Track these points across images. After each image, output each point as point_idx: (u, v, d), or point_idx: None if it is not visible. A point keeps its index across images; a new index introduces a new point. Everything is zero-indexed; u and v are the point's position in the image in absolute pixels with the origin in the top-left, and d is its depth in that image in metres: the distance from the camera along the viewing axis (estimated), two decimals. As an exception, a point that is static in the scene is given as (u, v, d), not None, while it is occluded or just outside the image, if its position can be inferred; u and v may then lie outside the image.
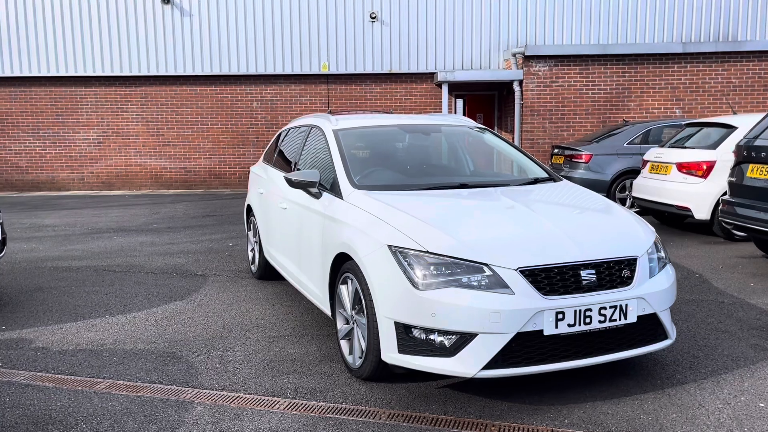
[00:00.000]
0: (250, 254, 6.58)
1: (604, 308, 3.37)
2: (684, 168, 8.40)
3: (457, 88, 15.88)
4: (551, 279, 3.33)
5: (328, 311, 4.25)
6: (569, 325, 3.31)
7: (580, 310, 3.32)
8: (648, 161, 9.23)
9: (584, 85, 14.00)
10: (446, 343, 3.31)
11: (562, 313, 3.29)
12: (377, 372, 3.64)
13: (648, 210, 9.55)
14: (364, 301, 3.64)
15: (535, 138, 14.02)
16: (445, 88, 14.73)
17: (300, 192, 4.70)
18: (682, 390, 3.65)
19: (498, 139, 5.21)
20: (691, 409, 3.40)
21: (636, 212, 10.56)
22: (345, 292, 3.92)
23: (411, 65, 15.74)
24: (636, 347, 3.55)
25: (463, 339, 3.27)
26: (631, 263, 3.53)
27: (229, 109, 16.07)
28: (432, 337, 3.33)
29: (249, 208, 6.55)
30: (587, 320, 3.34)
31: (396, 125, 5.14)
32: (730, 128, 8.35)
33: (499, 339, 3.22)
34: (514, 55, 14.35)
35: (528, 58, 13.94)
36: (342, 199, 4.18)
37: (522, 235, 3.55)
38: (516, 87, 14.26)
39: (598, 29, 15.10)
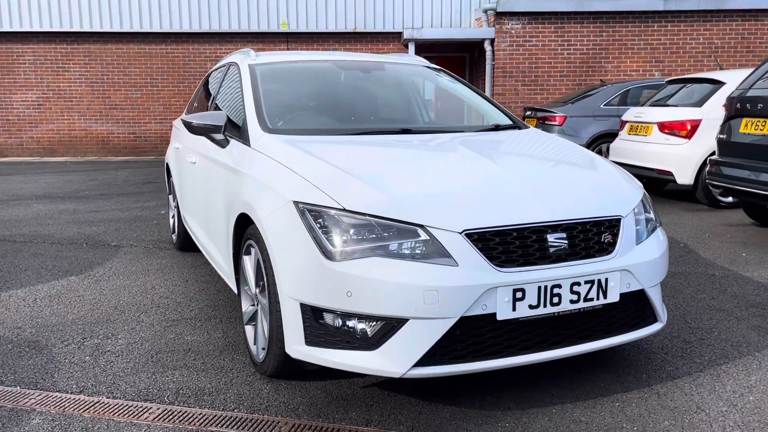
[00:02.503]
0: (171, 221, 5.67)
1: (578, 284, 2.54)
2: (666, 128, 7.62)
3: (426, 49, 14.90)
4: (508, 245, 2.49)
5: (235, 288, 3.38)
6: (531, 307, 2.48)
7: (545, 287, 2.49)
8: (627, 122, 8.45)
9: (559, 44, 13.13)
10: (368, 331, 2.46)
11: (522, 290, 2.45)
12: (283, 368, 2.79)
13: (626, 175, 8.80)
14: (265, 277, 2.77)
15: (508, 101, 13.16)
16: (411, 48, 13.76)
17: (208, 142, 3.78)
18: (675, 387, 2.85)
19: (455, 81, 4.33)
20: (687, 414, 2.61)
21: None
22: (248, 264, 3.05)
23: (377, 24, 14.72)
24: (618, 334, 2.74)
25: (389, 326, 2.43)
26: (613, 225, 2.71)
27: (181, 69, 14.92)
28: (350, 324, 2.48)
29: (168, 168, 5.61)
30: (555, 300, 2.51)
31: (329, 61, 4.22)
32: (717, 84, 7.57)
33: (436, 326, 2.38)
34: (485, 11, 13.42)
35: (500, 15, 13.00)
36: (249, 145, 3.28)
37: (471, 188, 2.69)
38: (487, 46, 13.34)
39: (575, -14, 14.18)
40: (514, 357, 2.51)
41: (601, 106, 9.86)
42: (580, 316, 2.62)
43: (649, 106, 8.29)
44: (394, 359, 2.42)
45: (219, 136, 3.54)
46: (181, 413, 2.63)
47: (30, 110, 14.85)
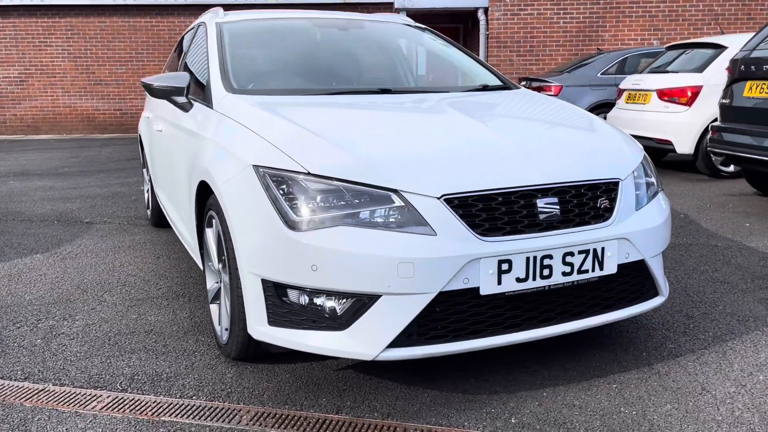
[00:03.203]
0: (146, 196, 5.39)
1: (571, 254, 2.28)
2: (665, 95, 7.32)
3: (418, 19, 14.46)
4: (492, 212, 2.22)
5: (200, 264, 3.12)
6: (518, 280, 2.22)
7: (535, 258, 2.22)
8: (624, 90, 8.14)
9: (555, 13, 12.74)
10: (337, 309, 2.20)
11: (508, 261, 2.19)
12: (248, 350, 2.54)
13: (623, 146, 8.52)
14: (225, 251, 2.51)
15: (503, 72, 12.79)
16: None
17: (172, 107, 3.49)
18: (677, 366, 2.61)
19: (440, 40, 4.02)
20: (691, 396, 2.37)
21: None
22: (211, 237, 2.78)
23: (367, -6, 14.29)
24: (616, 309, 2.48)
25: (360, 304, 2.16)
26: (610, 189, 2.44)
27: (166, 44, 14.51)
28: (317, 301, 2.22)
29: (141, 139, 5.32)
30: (545, 272, 2.25)
31: (304, 18, 3.91)
32: (719, 48, 7.26)
33: (411, 303, 2.12)
34: (478, -20, 12.99)
35: (494, -17, 12.59)
36: (212, 108, 2.99)
37: (453, 149, 2.41)
38: (481, 16, 12.95)
39: (571, -47, 13.74)
40: (499, 336, 2.26)
41: (598, 75, 9.53)
42: (574, 290, 2.36)
43: (648, 73, 7.98)
44: (365, 340, 2.16)
45: (181, 99, 3.25)
46: (132, 401, 2.37)
47: (12, 87, 14.45)
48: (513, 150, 2.40)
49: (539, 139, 2.58)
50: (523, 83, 10.27)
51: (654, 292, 2.61)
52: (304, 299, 2.23)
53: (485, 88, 3.51)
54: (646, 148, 7.95)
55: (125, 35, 14.40)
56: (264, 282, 2.27)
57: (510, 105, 3.17)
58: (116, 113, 14.71)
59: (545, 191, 2.29)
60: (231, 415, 2.27)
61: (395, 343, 2.15)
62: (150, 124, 4.53)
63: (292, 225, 2.18)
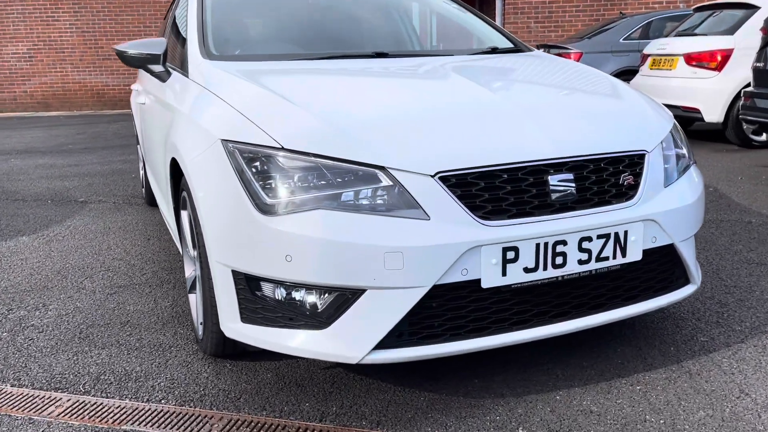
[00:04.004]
0: (141, 173, 5.13)
1: (588, 239, 1.96)
2: (693, 60, 6.87)
3: (433, -13, 13.99)
4: (496, 191, 1.90)
5: (180, 249, 2.85)
6: (527, 270, 1.91)
7: (546, 244, 1.91)
8: (649, 55, 7.69)
9: (575, -24, 12.17)
10: (317, 305, 1.92)
11: (514, 249, 1.88)
12: (224, 347, 2.28)
13: (647, 115, 8.09)
14: (195, 237, 2.23)
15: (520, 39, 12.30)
16: (417, -15, 12.86)
17: (153, 78, 3.20)
18: (710, 364, 2.30)
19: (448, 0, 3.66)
20: (727, 401, 2.06)
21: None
22: (185, 220, 2.51)
23: (379, -40, 13.77)
24: (640, 300, 2.17)
25: (342, 299, 1.87)
26: (635, 163, 2.11)
27: (175, 16, 14.16)
28: (294, 296, 1.93)
29: (133, 114, 5.04)
30: (558, 260, 1.94)
31: (296, -22, 3.57)
32: (751, 8, 6.77)
33: (401, 298, 1.83)
34: (495, -57, 12.44)
35: (511, -54, 12.04)
36: (188, 76, 2.69)
37: (452, 119, 2.09)
38: (498, -19, 12.42)
39: None
40: (504, 334, 1.96)
41: (621, 40, 9.04)
42: (592, 281, 2.05)
43: (674, 36, 7.51)
44: (347, 341, 1.87)
45: (158, 68, 2.95)
46: (94, 406, 2.12)
47: (21, 63, 14.26)
48: (522, 119, 2.08)
49: (552, 107, 2.24)
50: (541, 51, 9.80)
51: (684, 280, 2.29)
52: (279, 294, 1.94)
53: (494, 51, 3.16)
54: (672, 117, 7.56)
55: (133, 8, 14.09)
56: (235, 274, 1.98)
57: (520, 69, 2.82)
58: (125, 89, 14.46)
59: (558, 166, 1.97)
60: (200, 423, 2.01)
61: (383, 344, 1.87)
62: (137, 97, 4.25)
63: (263, 208, 1.89)
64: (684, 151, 2.41)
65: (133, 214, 4.74)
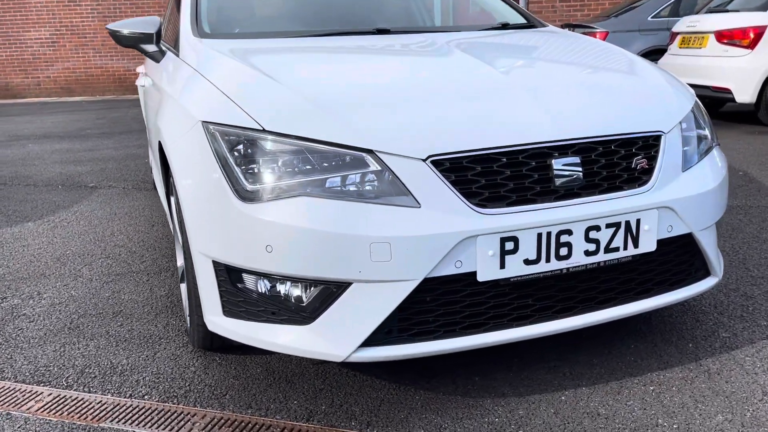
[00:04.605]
0: (150, 157, 5.05)
1: (596, 228, 1.80)
2: (725, 37, 6.56)
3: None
4: (494, 176, 1.75)
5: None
6: (527, 262, 1.76)
7: (548, 234, 1.76)
8: (678, 33, 7.37)
9: (603, -47, 11.77)
10: (300, 299, 1.79)
11: (514, 239, 1.73)
12: (211, 340, 2.17)
13: (675, 96, 7.78)
14: (178, 225, 2.12)
15: (545, 20, 11.98)
16: (439, -36, 12.58)
17: (150, 61, 3.09)
18: (731, 362, 2.12)
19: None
20: (749, 404, 1.89)
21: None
22: (174, 207, 2.39)
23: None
24: (655, 294, 2.01)
25: (327, 293, 1.75)
26: (650, 145, 1.93)
27: None
28: (278, 289, 1.81)
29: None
30: (563, 252, 1.79)
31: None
32: (788, -17, 6.42)
33: (389, 292, 1.69)
34: None
35: None
36: (178, 55, 2.57)
37: (447, 97, 1.93)
38: (522, -41, 12.07)
39: None
40: (503, 331, 1.82)
41: (649, 18, 8.71)
42: (601, 273, 1.89)
43: (705, 13, 7.18)
44: (332, 338, 1.75)
45: (151, 48, 2.83)
46: (75, 402, 2.03)
47: (44, 48, 14.32)
48: (525, 98, 1.91)
49: (560, 86, 2.07)
50: (566, 30, 9.51)
51: (705, 272, 2.12)
52: (261, 286, 1.82)
53: (505, 26, 2.98)
54: (702, 98, 7.25)
55: (154, -8, 14.04)
56: (215, 264, 1.87)
57: (531, 46, 2.65)
58: (148, 73, 14.46)
59: (564, 149, 1.81)
60: (182, 422, 1.91)
61: (370, 341, 1.74)
62: (139, 80, 4.15)
63: (243, 195, 1.76)
64: (706, 132, 2.22)
65: (140, 199, 4.67)
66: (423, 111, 1.84)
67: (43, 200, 4.75)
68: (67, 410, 1.99)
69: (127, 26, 2.81)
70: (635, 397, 1.95)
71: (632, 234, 1.85)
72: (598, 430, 1.81)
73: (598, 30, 8.73)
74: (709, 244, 2.05)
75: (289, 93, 1.91)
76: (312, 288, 1.76)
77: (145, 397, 2.05)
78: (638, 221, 1.85)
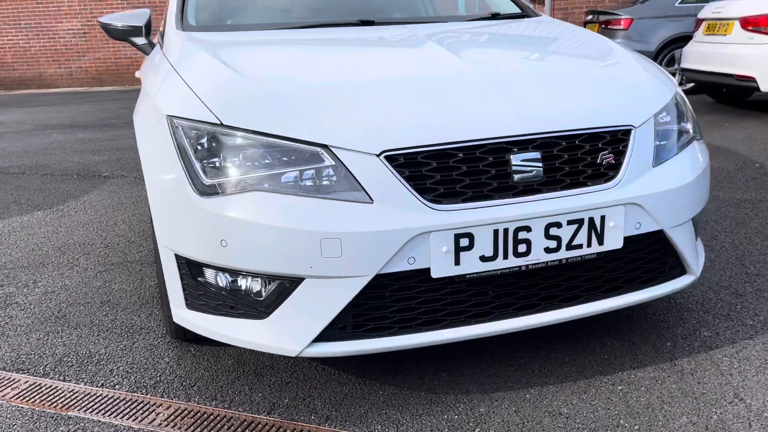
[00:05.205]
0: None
1: (557, 224, 1.77)
2: (750, 24, 6.35)
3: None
4: (449, 172, 1.73)
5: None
6: (484, 259, 1.74)
7: (505, 230, 1.73)
8: (703, 20, 7.16)
9: (633, -63, 11.46)
10: (258, 294, 1.80)
11: (468, 235, 1.70)
12: (184, 332, 2.20)
13: (701, 85, 7.59)
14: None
15: (570, 6, 11.75)
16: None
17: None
18: (707, 363, 2.07)
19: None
20: (717, 406, 1.84)
21: (685, 90, 8.56)
22: (154, 199, 2.42)
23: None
24: (624, 292, 1.96)
25: (281, 288, 1.75)
26: (618, 140, 1.88)
27: (223, -11, 14.18)
28: (235, 283, 1.82)
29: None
30: (522, 248, 1.76)
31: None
32: (818, -34, 6.18)
33: (341, 287, 1.69)
34: None
35: None
36: (162, 48, 2.59)
37: (407, 91, 1.91)
38: (549, -56, 11.84)
39: None
40: (460, 328, 1.80)
41: (676, 4, 8.49)
42: (564, 270, 1.86)
43: (732, -1, 6.96)
44: (287, 332, 1.75)
45: (140, 41, 2.87)
46: (48, 390, 2.08)
47: (76, 39, 14.60)
48: (490, 92, 1.88)
49: (530, 78, 2.03)
50: (590, 17, 9.32)
51: (680, 269, 2.06)
52: (219, 280, 1.83)
53: (496, 16, 2.93)
54: (727, 87, 7.05)
55: (182, -18, 14.17)
56: (177, 258, 1.89)
57: (511, 36, 2.60)
58: (176, 63, 14.63)
59: (524, 144, 1.77)
60: (147, 412, 1.94)
61: (324, 336, 1.74)
62: (138, 72, 4.20)
63: (201, 189, 1.77)
64: (689, 126, 2.16)
65: (149, 189, 4.74)
66: (381, 105, 1.82)
67: (56, 189, 4.86)
68: (39, 398, 2.04)
69: (117, 19, 2.84)
70: (601, 397, 1.92)
71: (596, 231, 1.81)
72: (557, 429, 1.78)
73: (622, 17, 8.55)
74: (683, 241, 1.99)
75: (251, 87, 1.91)
76: (267, 283, 1.76)
77: (116, 386, 2.09)
78: (603, 218, 1.81)
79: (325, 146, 1.72)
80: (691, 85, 8.28)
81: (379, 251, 1.66)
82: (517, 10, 3.04)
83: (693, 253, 2.07)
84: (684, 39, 8.16)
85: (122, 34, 2.85)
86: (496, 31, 2.64)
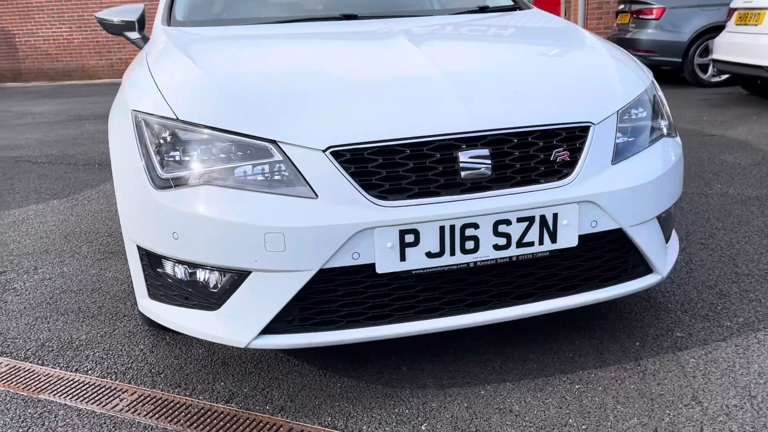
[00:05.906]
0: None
1: (506, 222, 1.76)
2: (782, 13, 6.11)
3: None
4: (396, 168, 1.73)
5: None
6: (430, 255, 1.74)
7: (452, 227, 1.73)
8: (735, 10, 6.92)
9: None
10: (209, 285, 1.85)
11: (414, 232, 1.71)
12: (148, 319, 2.26)
13: (733, 76, 7.35)
14: (122, 209, 2.20)
15: (605, -4, 11.47)
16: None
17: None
18: (673, 363, 2.03)
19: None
20: (672, 408, 1.81)
21: (716, 82, 8.29)
22: (135, 191, 2.49)
23: None
24: (581, 291, 1.94)
25: (232, 280, 1.79)
26: (575, 137, 1.86)
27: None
28: (191, 275, 1.87)
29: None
30: (469, 245, 1.75)
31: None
32: None
33: (285, 281, 1.72)
34: None
35: None
36: (148, 43, 2.66)
37: (358, 87, 1.92)
38: (584, -68, 11.58)
39: None
40: (409, 323, 1.81)
41: (711, -7, 8.23)
42: (516, 267, 1.85)
43: (765, -13, 6.70)
44: (236, 324, 1.79)
45: (134, 35, 2.94)
46: (25, 373, 2.18)
47: (116, 31, 14.96)
48: (444, 88, 1.88)
49: (489, 74, 2.01)
50: (622, 6, 9.11)
51: (645, 268, 2.02)
52: (176, 271, 1.88)
53: (484, 9, 2.90)
54: (758, 79, 6.80)
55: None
56: (139, 249, 1.95)
57: (489, 31, 2.57)
58: (212, 54, 14.86)
59: (473, 141, 1.76)
60: (111, 397, 2.01)
61: (272, 329, 1.77)
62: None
63: (157, 183, 1.82)
64: (663, 122, 2.11)
65: (163, 179, 4.85)
66: (332, 102, 1.83)
67: (76, 179, 5.02)
68: (16, 381, 2.13)
69: (113, 14, 2.92)
70: (556, 396, 1.91)
71: (548, 229, 1.79)
72: (505, 427, 1.78)
73: (654, 6, 8.34)
74: (646, 240, 1.96)
75: (209, 83, 1.95)
76: (219, 275, 1.81)
77: (89, 372, 2.17)
78: (555, 215, 1.79)
79: (274, 142, 1.75)
80: (726, 76, 8.03)
81: (323, 246, 1.68)
82: (509, 3, 3.00)
83: (659, 251, 2.03)
84: (718, 29, 7.90)
85: (117, 29, 2.93)
86: (474, 26, 2.61)
